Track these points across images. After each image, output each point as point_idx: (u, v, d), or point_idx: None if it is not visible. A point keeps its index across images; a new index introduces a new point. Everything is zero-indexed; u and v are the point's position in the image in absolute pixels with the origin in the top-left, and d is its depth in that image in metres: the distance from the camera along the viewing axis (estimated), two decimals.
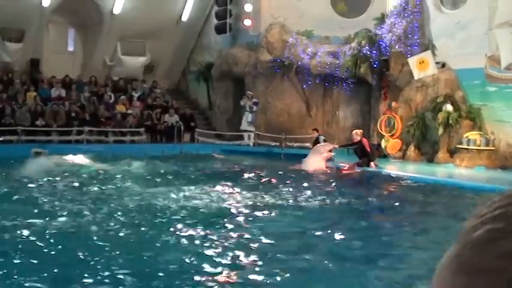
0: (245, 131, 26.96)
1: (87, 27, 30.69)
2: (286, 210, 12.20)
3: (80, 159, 20.38)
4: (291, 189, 14.95)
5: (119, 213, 11.03)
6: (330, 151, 20.41)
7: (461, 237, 0.56)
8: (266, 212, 11.85)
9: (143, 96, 29.65)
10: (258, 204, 12.78)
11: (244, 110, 26.98)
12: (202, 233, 9.57)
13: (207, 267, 7.57)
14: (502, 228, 0.52)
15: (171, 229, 9.76)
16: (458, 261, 0.54)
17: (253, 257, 8.14)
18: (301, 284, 7.27)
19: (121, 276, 7.13)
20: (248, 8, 28.05)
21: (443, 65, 23.14)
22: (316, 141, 22.04)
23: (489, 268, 0.50)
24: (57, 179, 15.74)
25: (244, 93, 27.29)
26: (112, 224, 10.07)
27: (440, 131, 21.96)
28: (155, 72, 32.21)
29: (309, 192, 14.57)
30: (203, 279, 7.12)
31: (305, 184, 16.10)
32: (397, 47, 23.97)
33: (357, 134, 20.66)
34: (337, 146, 21.24)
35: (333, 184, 16.77)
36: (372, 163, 20.10)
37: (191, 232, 9.58)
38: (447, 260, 0.56)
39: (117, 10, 28.84)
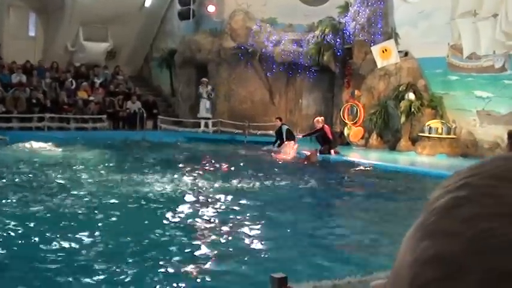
0: (204, 118, 26.87)
1: (48, 11, 30.20)
2: (246, 195, 12.25)
3: (41, 146, 20.11)
4: (254, 176, 15.01)
5: (81, 201, 10.94)
6: (295, 144, 20.62)
7: (427, 206, 0.59)
8: (231, 196, 11.90)
9: (105, 83, 29.35)
10: (223, 190, 12.80)
11: (201, 97, 26.89)
12: (169, 219, 9.53)
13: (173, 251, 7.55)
14: (465, 196, 0.55)
15: (138, 216, 9.70)
16: (423, 227, 0.57)
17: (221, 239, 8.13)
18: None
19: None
20: None
21: (406, 54, 23.32)
22: (279, 130, 22.00)
23: (452, 231, 0.54)
24: (17, 166, 15.50)
25: (208, 80, 27.18)
26: (75, 211, 9.96)
27: (403, 119, 22.12)
28: (117, 58, 31.87)
29: (269, 179, 14.72)
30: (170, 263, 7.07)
31: (267, 171, 16.19)
32: (360, 36, 24.07)
33: (319, 122, 20.82)
34: (300, 136, 21.26)
35: (296, 171, 16.86)
36: (332, 150, 20.22)
37: (156, 217, 9.54)
38: (413, 229, 0.59)
39: None
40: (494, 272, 0.50)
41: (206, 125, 26.96)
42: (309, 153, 19.49)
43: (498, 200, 0.53)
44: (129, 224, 9.32)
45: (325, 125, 20.88)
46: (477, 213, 0.53)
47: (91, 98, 27.24)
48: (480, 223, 0.53)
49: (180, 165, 16.91)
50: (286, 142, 21.02)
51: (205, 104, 26.90)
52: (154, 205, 10.92)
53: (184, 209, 10.70)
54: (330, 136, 20.56)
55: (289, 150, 20.40)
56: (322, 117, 21.43)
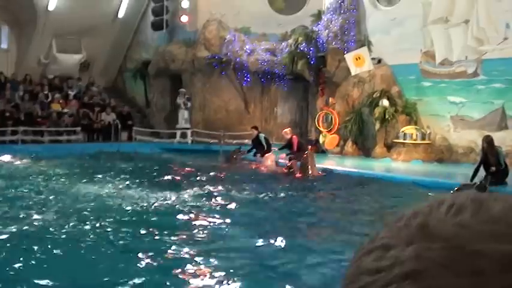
0: (183, 128, 26.71)
1: (21, 24, 29.90)
2: (222, 206, 12.16)
3: (15, 159, 19.94)
4: (230, 186, 14.88)
5: (58, 214, 10.79)
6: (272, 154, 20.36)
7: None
8: (205, 207, 11.80)
9: (79, 95, 29.14)
10: (196, 201, 12.69)
11: (180, 108, 26.77)
12: (143, 233, 9.45)
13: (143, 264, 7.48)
14: (369, 248, 0.65)
15: (108, 230, 9.61)
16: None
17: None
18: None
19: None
20: (185, 4, 27.77)
21: (379, 61, 23.45)
22: (257, 139, 21.59)
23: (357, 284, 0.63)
24: None
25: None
26: (53, 225, 9.83)
27: (377, 126, 22.27)
28: (91, 69, 31.68)
29: (247, 189, 14.64)
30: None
31: (243, 181, 16.15)
32: (333, 44, 24.16)
33: (287, 133, 20.26)
34: (277, 149, 20.81)
35: (266, 181, 16.86)
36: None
37: (128, 231, 9.45)
38: None
39: (51, 6, 28.21)
40: None
41: (183, 136, 26.79)
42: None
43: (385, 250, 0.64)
44: (101, 236, 9.23)
45: (294, 135, 20.36)
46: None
47: (65, 110, 27.02)
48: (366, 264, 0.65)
49: (154, 177, 16.71)
50: (266, 155, 20.50)
51: (183, 115, 26.76)
52: (129, 218, 10.80)
53: (158, 221, 10.57)
54: (295, 147, 19.82)
55: (269, 161, 20.12)
56: (289, 128, 20.93)
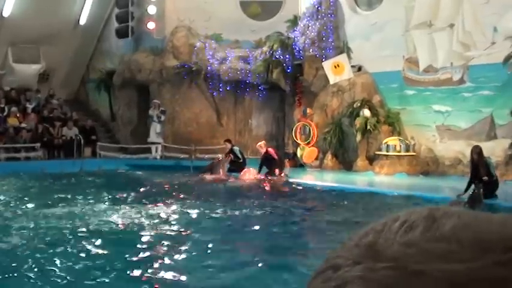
0: (154, 143, 25.36)
1: None
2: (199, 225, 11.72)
3: None
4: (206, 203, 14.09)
5: (16, 237, 10.23)
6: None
7: None
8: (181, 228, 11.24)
9: (38, 108, 27.85)
10: (170, 221, 12.04)
11: (152, 120, 25.41)
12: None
13: None
14: (321, 268, 0.67)
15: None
16: None
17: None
18: None
19: None
20: (152, 10, 26.90)
21: (360, 69, 23.02)
22: (231, 153, 20.90)
23: None
24: None
25: (149, 102, 26.03)
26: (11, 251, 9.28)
27: (358, 137, 21.69)
28: (51, 80, 30.62)
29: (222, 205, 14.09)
30: None
31: (220, 197, 15.83)
32: (311, 51, 23.61)
33: (261, 147, 20.33)
34: (256, 171, 20.21)
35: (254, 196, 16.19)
36: (276, 170, 19.57)
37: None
38: None
39: (6, 12, 27.10)
40: None
41: (155, 150, 25.56)
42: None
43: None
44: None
45: (268, 148, 20.31)
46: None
47: (23, 125, 25.69)
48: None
49: (121, 197, 15.65)
50: (245, 169, 20.16)
51: (155, 128, 25.39)
52: (96, 240, 9.96)
53: (130, 244, 9.83)
54: (276, 156, 20.00)
55: (248, 176, 19.74)
56: (263, 142, 20.95)
